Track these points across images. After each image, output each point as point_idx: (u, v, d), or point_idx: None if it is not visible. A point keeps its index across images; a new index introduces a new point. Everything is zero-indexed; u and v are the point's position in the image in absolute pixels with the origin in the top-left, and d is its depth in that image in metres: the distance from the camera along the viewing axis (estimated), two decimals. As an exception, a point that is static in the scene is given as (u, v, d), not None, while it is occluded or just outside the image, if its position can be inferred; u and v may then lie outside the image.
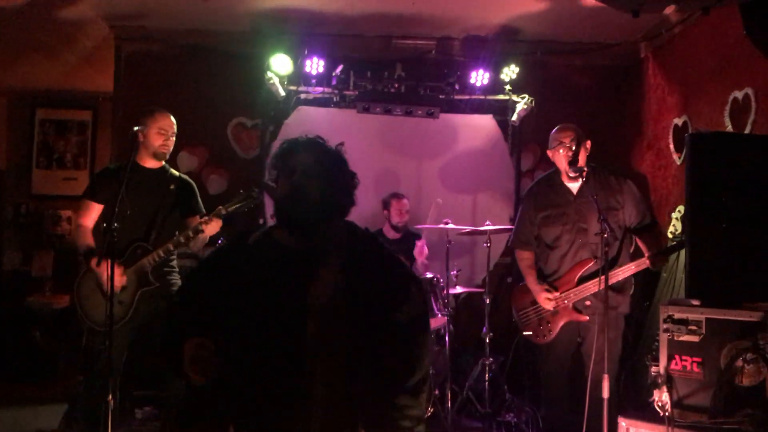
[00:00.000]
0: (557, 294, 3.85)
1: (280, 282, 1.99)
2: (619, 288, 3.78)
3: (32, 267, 7.30)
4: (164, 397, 4.35)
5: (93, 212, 3.89)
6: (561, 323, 3.88)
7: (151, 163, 3.93)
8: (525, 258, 4.08)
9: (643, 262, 3.70)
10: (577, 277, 3.82)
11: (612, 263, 3.68)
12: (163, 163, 4.01)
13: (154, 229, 3.82)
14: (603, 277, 3.39)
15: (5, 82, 7.22)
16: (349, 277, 1.99)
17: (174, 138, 3.95)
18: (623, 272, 3.73)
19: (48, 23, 5.61)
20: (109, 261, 3.19)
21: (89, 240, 3.81)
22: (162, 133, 3.85)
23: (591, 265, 3.79)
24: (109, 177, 3.83)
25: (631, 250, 3.96)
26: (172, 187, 3.91)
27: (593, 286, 3.73)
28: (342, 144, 2.10)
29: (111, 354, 3.69)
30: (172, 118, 3.97)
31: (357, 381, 1.96)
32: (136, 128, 3.65)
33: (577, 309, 3.84)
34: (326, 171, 2.01)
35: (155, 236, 3.80)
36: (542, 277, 3.99)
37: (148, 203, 3.81)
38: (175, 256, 3.97)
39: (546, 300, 3.87)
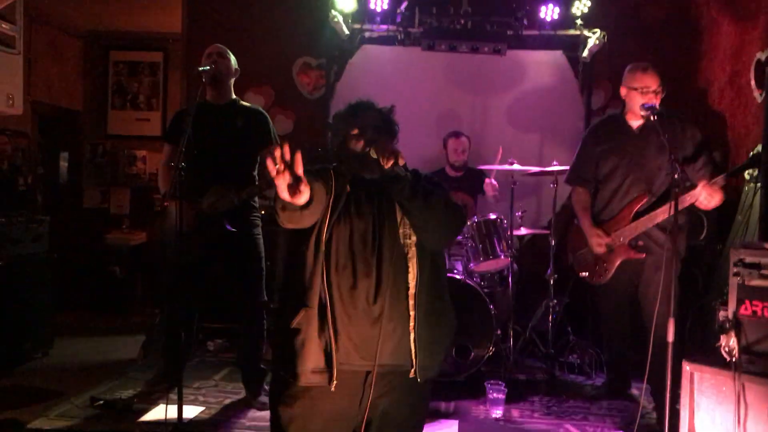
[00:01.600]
0: (608, 239, 3.79)
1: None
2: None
3: (110, 205, 7.62)
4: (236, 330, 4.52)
5: (170, 154, 3.99)
6: (617, 262, 3.82)
7: (217, 98, 3.95)
8: (581, 198, 4.01)
9: (697, 193, 3.48)
10: (632, 213, 3.74)
11: (665, 198, 3.59)
12: (233, 96, 4.03)
13: (228, 167, 3.85)
14: (672, 207, 3.07)
15: (80, 24, 7.40)
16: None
17: (222, 60, 3.89)
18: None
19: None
20: (179, 200, 3.28)
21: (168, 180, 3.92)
22: (207, 57, 3.88)
23: (645, 202, 3.71)
24: (181, 118, 3.88)
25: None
26: (239, 123, 3.91)
27: (649, 221, 3.67)
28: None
29: (185, 289, 3.86)
30: (222, 47, 3.96)
31: None
32: (200, 68, 3.69)
33: (632, 246, 3.77)
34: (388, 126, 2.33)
35: (230, 172, 3.83)
36: (593, 214, 3.93)
37: (217, 141, 3.83)
38: (256, 202, 4.03)
39: (597, 244, 3.83)
